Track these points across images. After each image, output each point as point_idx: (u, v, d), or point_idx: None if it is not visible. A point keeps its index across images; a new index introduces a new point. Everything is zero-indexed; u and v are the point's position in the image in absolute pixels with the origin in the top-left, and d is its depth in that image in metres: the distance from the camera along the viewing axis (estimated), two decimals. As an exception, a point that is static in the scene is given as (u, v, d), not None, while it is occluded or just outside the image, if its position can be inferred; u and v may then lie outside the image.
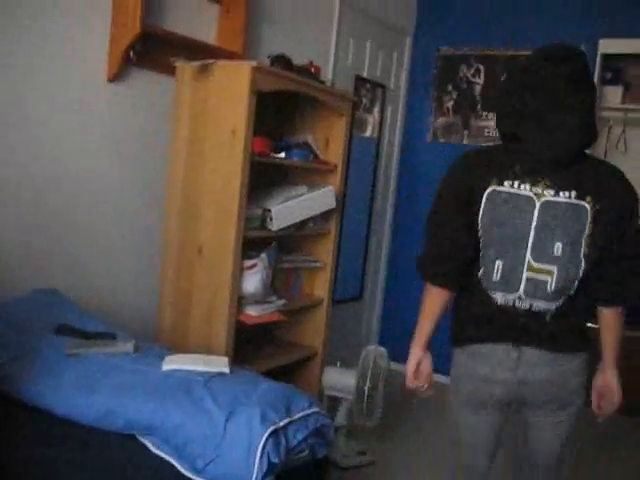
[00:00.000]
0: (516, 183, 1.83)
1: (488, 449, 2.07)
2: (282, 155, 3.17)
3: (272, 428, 1.88)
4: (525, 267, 1.85)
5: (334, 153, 3.44)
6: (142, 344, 2.40)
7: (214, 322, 2.88)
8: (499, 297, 1.88)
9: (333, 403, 3.32)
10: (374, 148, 4.73)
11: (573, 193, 1.82)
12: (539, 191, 1.83)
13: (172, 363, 2.20)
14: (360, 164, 4.51)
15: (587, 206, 1.82)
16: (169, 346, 2.75)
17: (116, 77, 2.79)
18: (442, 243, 1.91)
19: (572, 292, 1.87)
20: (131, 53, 2.76)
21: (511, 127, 1.87)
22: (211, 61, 2.81)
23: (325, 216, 3.41)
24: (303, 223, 3.24)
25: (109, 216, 2.91)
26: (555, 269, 1.84)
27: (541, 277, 1.85)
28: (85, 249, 2.82)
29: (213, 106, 2.82)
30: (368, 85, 4.52)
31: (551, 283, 1.84)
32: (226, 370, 2.22)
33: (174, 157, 2.96)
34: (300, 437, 1.98)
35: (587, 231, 1.82)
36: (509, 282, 1.86)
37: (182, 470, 1.85)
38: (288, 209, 3.07)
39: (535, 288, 1.85)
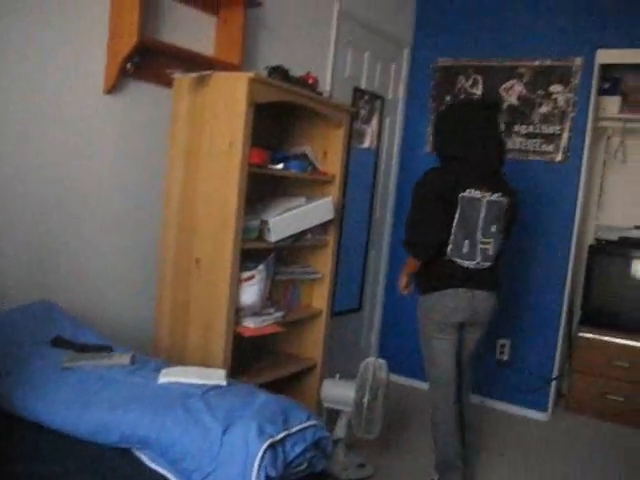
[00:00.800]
0: (472, 190, 2.89)
1: (453, 358, 3.08)
2: (280, 166, 3.16)
3: (269, 441, 1.85)
4: (479, 242, 2.95)
5: (332, 164, 3.44)
6: (139, 357, 2.38)
7: (211, 334, 2.86)
8: (465, 263, 2.95)
9: (332, 416, 3.30)
10: (372, 159, 4.73)
11: (499, 193, 2.97)
12: (484, 194, 2.92)
13: (169, 376, 2.18)
14: (358, 175, 4.51)
15: (504, 201, 3.00)
16: (166, 359, 2.74)
17: (113, 89, 2.79)
18: (427, 233, 2.93)
19: (497, 255, 3.04)
20: (128, 65, 2.76)
21: (456, 151, 2.95)
22: (208, 72, 2.81)
23: (324, 227, 3.40)
24: (301, 234, 3.22)
25: (106, 228, 2.90)
26: (492, 241, 2.99)
27: (486, 247, 2.98)
28: (82, 262, 2.81)
29: (210, 118, 2.82)
30: (366, 96, 4.52)
31: (490, 250, 2.99)
32: (223, 383, 2.20)
33: (171, 169, 2.95)
34: (298, 450, 1.96)
35: (503, 217, 3.01)
36: (473, 253, 2.96)
37: (178, 484, 1.83)
38: (286, 220, 3.06)
39: (484, 254, 2.98)
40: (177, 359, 2.82)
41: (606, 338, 4.51)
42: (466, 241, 2.91)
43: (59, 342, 2.38)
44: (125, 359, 2.29)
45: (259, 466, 1.80)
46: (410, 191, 3.01)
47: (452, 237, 2.90)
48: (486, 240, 2.94)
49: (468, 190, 2.88)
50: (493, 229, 2.96)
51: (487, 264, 2.98)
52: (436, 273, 2.99)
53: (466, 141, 2.91)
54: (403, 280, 3.17)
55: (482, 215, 2.91)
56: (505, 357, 4.65)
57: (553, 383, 4.52)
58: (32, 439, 1.93)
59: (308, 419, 2.06)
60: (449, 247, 2.92)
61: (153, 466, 1.86)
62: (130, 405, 1.96)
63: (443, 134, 3.04)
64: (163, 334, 3.01)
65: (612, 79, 4.67)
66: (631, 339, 4.45)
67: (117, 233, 2.95)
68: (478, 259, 2.95)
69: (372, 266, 4.93)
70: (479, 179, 2.90)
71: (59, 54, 2.59)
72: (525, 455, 3.83)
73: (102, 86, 2.76)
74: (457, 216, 2.88)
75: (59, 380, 2.10)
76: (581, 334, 4.60)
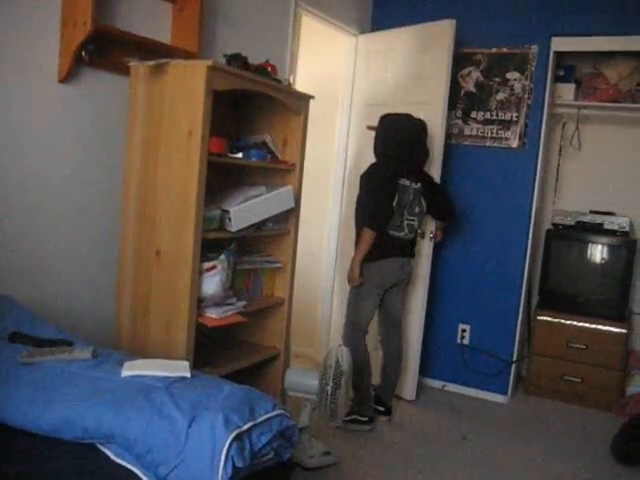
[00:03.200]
0: (405, 179, 3.78)
1: (372, 317, 3.92)
2: (240, 155, 3.14)
3: (236, 432, 1.84)
4: (405, 219, 3.80)
5: (292, 153, 3.42)
6: (100, 350, 2.34)
7: (174, 326, 2.83)
8: (396, 234, 3.78)
9: (296, 404, 3.30)
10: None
11: (419, 183, 3.87)
12: (412, 182, 3.82)
13: (132, 369, 2.15)
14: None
15: (420, 188, 3.88)
16: (128, 352, 2.70)
17: (68, 78, 2.72)
18: (383, 211, 3.70)
19: (417, 229, 3.94)
20: (83, 53, 2.70)
21: (393, 151, 3.78)
22: (165, 60, 2.77)
23: (284, 216, 3.38)
24: (262, 223, 3.21)
25: (63, 220, 2.84)
26: (416, 218, 3.88)
27: (412, 223, 3.85)
28: (39, 254, 2.75)
29: (169, 106, 2.78)
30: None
31: (415, 224, 3.88)
32: (187, 374, 2.18)
33: (129, 159, 2.91)
34: (265, 440, 1.95)
35: (422, 200, 3.90)
36: (402, 227, 3.79)
37: (145, 478, 1.80)
38: (247, 210, 3.04)
39: (410, 228, 3.84)
40: (139, 352, 2.80)
41: (564, 321, 4.60)
42: (399, 217, 3.77)
43: (17, 337, 2.33)
44: (86, 353, 2.25)
45: (226, 457, 1.79)
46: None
47: (394, 214, 3.75)
48: (410, 217, 3.82)
49: (402, 179, 3.76)
50: (416, 210, 3.86)
51: (411, 235, 3.88)
52: (378, 244, 3.71)
53: (402, 143, 3.79)
54: (357, 269, 3.74)
55: (410, 198, 3.81)
56: (466, 341, 4.71)
57: (513, 366, 4.59)
58: (-8, 437, 1.88)
59: (274, 409, 2.05)
60: (389, 223, 3.74)
61: (119, 461, 1.83)
62: (93, 399, 1.93)
63: (384, 138, 3.83)
64: (124, 327, 2.97)
65: (567, 67, 4.75)
66: (588, 321, 4.54)
67: (75, 225, 2.89)
68: (405, 231, 3.81)
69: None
70: (408, 171, 3.80)
71: (10, 43, 2.52)
72: (487, 438, 3.89)
73: (57, 75, 2.69)
74: (397, 198, 3.73)
75: (18, 376, 2.06)
76: (540, 317, 4.68)
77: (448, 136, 4.63)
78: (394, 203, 3.72)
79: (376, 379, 4.06)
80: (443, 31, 4.20)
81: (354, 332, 3.86)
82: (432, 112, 4.19)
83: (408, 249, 3.93)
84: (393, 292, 3.95)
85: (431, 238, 4.26)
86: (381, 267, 3.79)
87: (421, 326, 4.39)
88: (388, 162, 3.78)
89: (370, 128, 4.02)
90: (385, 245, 3.76)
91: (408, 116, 3.84)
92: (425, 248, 4.28)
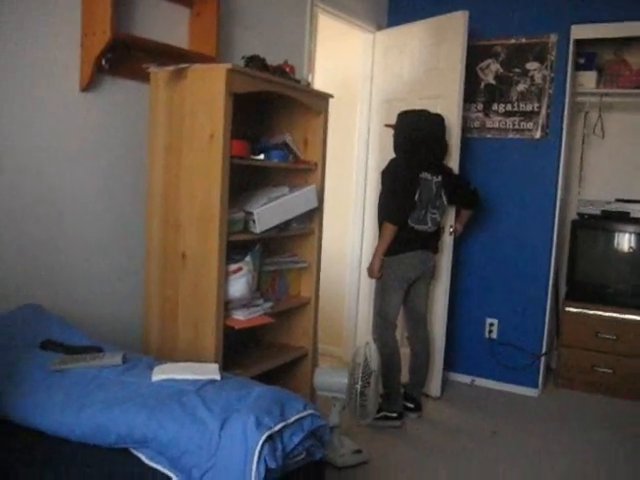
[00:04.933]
0: (426, 173, 3.79)
1: (399, 310, 3.94)
2: (261, 157, 3.14)
3: (268, 433, 1.85)
4: (429, 212, 3.82)
5: (313, 152, 3.42)
6: (130, 355, 2.36)
7: (201, 329, 2.84)
8: (420, 228, 3.81)
9: (325, 403, 3.31)
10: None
11: (440, 176, 3.88)
12: (433, 176, 3.83)
13: (162, 373, 2.17)
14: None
15: (441, 181, 3.88)
16: (157, 356, 2.72)
17: (89, 87, 2.75)
18: (405, 207, 3.73)
19: (440, 221, 3.96)
20: (103, 61, 2.72)
21: (412, 146, 3.81)
22: (185, 65, 2.78)
23: (308, 216, 3.39)
24: (286, 224, 3.21)
25: (89, 227, 2.87)
26: (439, 211, 3.90)
27: (435, 216, 3.87)
28: (66, 262, 2.78)
29: (189, 111, 2.79)
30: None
31: (438, 217, 3.89)
32: (217, 377, 2.19)
33: (153, 164, 2.93)
34: (296, 440, 1.96)
35: (444, 193, 3.91)
36: (425, 220, 3.82)
37: (178, 481, 1.82)
38: (270, 211, 3.04)
39: (433, 221, 3.86)
40: (168, 356, 2.82)
41: (592, 312, 4.55)
42: (422, 211, 3.79)
43: (48, 345, 2.36)
44: (117, 359, 2.27)
45: (258, 458, 1.80)
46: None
47: (415, 209, 3.77)
48: (433, 211, 3.85)
49: (424, 173, 3.78)
50: (438, 203, 3.88)
51: (434, 228, 3.90)
52: (400, 239, 3.78)
53: (418, 139, 3.81)
54: (378, 262, 3.82)
55: (433, 192, 3.83)
56: (494, 335, 4.68)
57: (542, 359, 4.55)
58: (28, 445, 1.91)
59: (305, 408, 2.06)
60: (410, 217, 3.77)
61: (153, 464, 1.85)
62: (125, 405, 1.95)
63: (403, 135, 3.86)
64: (152, 331, 2.99)
65: (587, 54, 4.69)
66: (617, 311, 4.49)
67: (100, 231, 2.92)
68: (429, 224, 3.83)
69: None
70: (428, 166, 3.82)
71: (32, 54, 2.54)
72: (518, 432, 3.86)
73: (78, 84, 2.72)
74: (419, 192, 3.74)
75: (51, 383, 2.09)
76: (568, 309, 4.63)
77: (469, 130, 4.61)
78: (416, 197, 3.74)
79: (404, 376, 4.05)
80: (456, 23, 4.17)
81: (383, 325, 3.90)
82: (448, 105, 4.17)
83: (432, 242, 3.96)
84: (417, 287, 3.97)
85: (451, 232, 4.25)
86: (402, 260, 3.82)
87: (444, 322, 4.37)
88: (408, 157, 3.81)
89: (388, 126, 4.04)
90: (408, 239, 3.80)
91: (426, 112, 3.88)
92: (446, 242, 4.27)
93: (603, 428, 3.95)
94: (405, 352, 4.08)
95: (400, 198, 3.74)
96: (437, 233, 4.00)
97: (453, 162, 4.19)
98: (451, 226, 4.25)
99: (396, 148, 3.89)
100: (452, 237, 4.29)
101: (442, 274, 4.30)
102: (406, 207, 3.74)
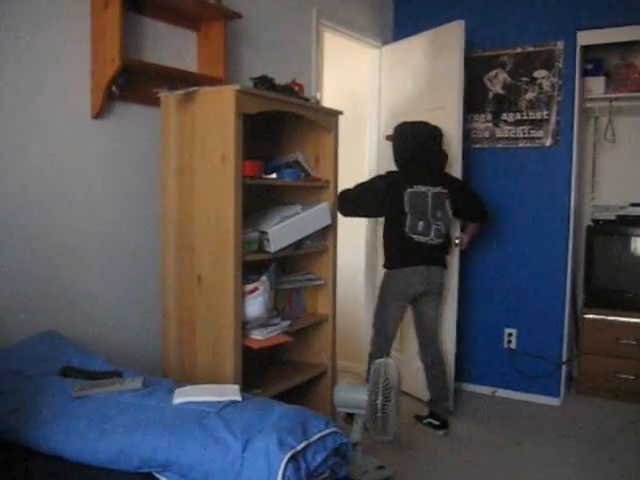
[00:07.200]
0: (419, 186, 3.78)
1: (397, 324, 3.96)
2: (274, 176, 3.15)
3: (291, 453, 1.83)
4: (432, 223, 3.76)
5: (325, 169, 3.44)
6: (150, 379, 2.36)
7: (220, 350, 2.84)
8: (421, 239, 3.76)
9: (347, 419, 3.29)
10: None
11: (440, 187, 3.83)
12: (430, 187, 3.81)
13: (182, 396, 2.17)
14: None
15: (445, 192, 3.85)
16: (177, 379, 2.72)
17: (100, 113, 2.78)
18: (358, 204, 3.83)
19: (446, 232, 3.88)
20: (113, 88, 2.75)
21: (407, 157, 3.85)
22: (194, 89, 2.80)
23: (322, 233, 3.39)
24: (300, 242, 3.21)
25: (105, 253, 2.88)
26: (442, 223, 3.82)
27: (439, 227, 3.80)
28: (82, 288, 2.79)
29: (200, 133, 2.81)
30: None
31: (442, 229, 3.82)
32: (238, 398, 2.18)
33: (166, 188, 2.94)
34: (320, 459, 1.94)
35: (447, 204, 3.84)
36: (428, 232, 3.76)
37: (203, 504, 1.81)
38: (284, 230, 3.05)
39: (437, 232, 3.79)
40: (188, 378, 2.82)
41: (612, 318, 4.52)
42: (420, 222, 3.74)
43: (68, 372, 2.36)
44: (137, 383, 2.27)
45: (282, 478, 1.78)
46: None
47: (409, 218, 3.74)
48: (437, 222, 3.78)
49: (416, 186, 3.77)
50: (439, 214, 3.80)
51: (439, 241, 3.82)
52: (399, 251, 3.82)
53: (412, 150, 3.84)
54: None
55: (429, 204, 3.77)
56: (513, 345, 4.65)
57: (563, 367, 4.51)
58: (51, 472, 1.90)
59: (327, 426, 2.04)
60: (407, 226, 3.75)
61: (176, 488, 1.85)
62: (147, 429, 1.94)
63: (398, 146, 3.91)
64: (171, 354, 2.99)
65: (595, 60, 4.69)
66: (637, 317, 4.45)
67: (115, 257, 2.93)
68: (432, 235, 3.76)
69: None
70: (424, 178, 3.82)
71: (43, 83, 2.58)
72: (542, 442, 3.82)
73: (89, 111, 2.75)
74: (408, 203, 3.73)
75: (72, 410, 2.08)
76: (586, 316, 4.60)
77: (479, 140, 4.60)
78: (406, 209, 3.72)
79: (426, 394, 4.06)
80: (453, 32, 4.19)
81: (377, 337, 3.96)
82: (448, 115, 4.18)
83: (435, 256, 3.88)
84: (424, 302, 3.94)
85: (456, 244, 4.21)
86: (400, 277, 3.83)
87: (453, 336, 4.34)
88: (403, 169, 3.87)
89: (388, 138, 4.07)
90: (408, 251, 3.78)
91: (420, 123, 3.88)
92: (452, 255, 4.21)
93: (629, 435, 3.91)
94: (419, 367, 4.09)
95: (359, 196, 3.78)
96: (443, 246, 3.93)
97: (455, 173, 4.17)
98: (457, 237, 4.21)
99: (394, 159, 3.95)
100: (458, 249, 4.25)
101: (450, 287, 4.26)
102: (360, 208, 3.83)
